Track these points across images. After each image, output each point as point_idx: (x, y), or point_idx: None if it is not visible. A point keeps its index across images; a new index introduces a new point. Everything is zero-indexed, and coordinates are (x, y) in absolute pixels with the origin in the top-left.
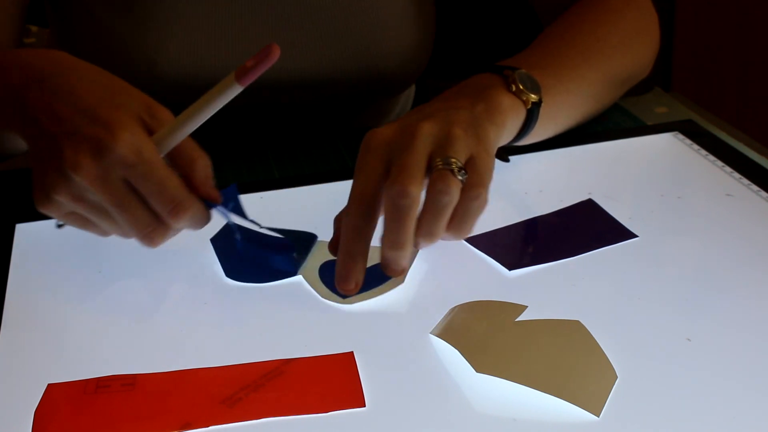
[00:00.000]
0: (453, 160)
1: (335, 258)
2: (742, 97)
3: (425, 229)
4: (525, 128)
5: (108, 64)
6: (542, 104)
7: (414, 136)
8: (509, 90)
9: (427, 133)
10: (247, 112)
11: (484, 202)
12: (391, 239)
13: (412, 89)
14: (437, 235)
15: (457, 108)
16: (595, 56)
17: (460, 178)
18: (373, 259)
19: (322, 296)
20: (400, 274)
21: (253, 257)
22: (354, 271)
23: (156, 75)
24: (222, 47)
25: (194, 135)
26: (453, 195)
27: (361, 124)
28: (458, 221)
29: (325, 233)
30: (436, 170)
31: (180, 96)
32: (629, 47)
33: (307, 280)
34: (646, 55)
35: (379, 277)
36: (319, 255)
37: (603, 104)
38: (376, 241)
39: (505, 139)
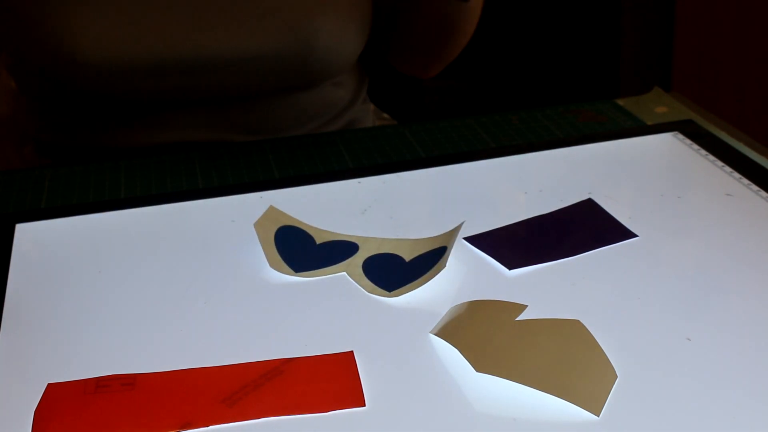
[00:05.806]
0: None
1: (379, 253)
2: (742, 97)
3: None
4: None
5: (29, 54)
6: None
7: None
8: None
9: None
10: (199, 105)
11: None
12: None
13: (366, 81)
14: None
15: None
16: None
17: None
18: (416, 250)
19: (368, 291)
20: None
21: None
22: None
23: (78, 61)
24: (144, 29)
25: (178, 138)
26: None
27: (312, 114)
28: None
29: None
30: None
31: (101, 83)
32: None
33: (350, 276)
34: None
35: (422, 267)
36: (363, 251)
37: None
38: (414, 234)
39: None
